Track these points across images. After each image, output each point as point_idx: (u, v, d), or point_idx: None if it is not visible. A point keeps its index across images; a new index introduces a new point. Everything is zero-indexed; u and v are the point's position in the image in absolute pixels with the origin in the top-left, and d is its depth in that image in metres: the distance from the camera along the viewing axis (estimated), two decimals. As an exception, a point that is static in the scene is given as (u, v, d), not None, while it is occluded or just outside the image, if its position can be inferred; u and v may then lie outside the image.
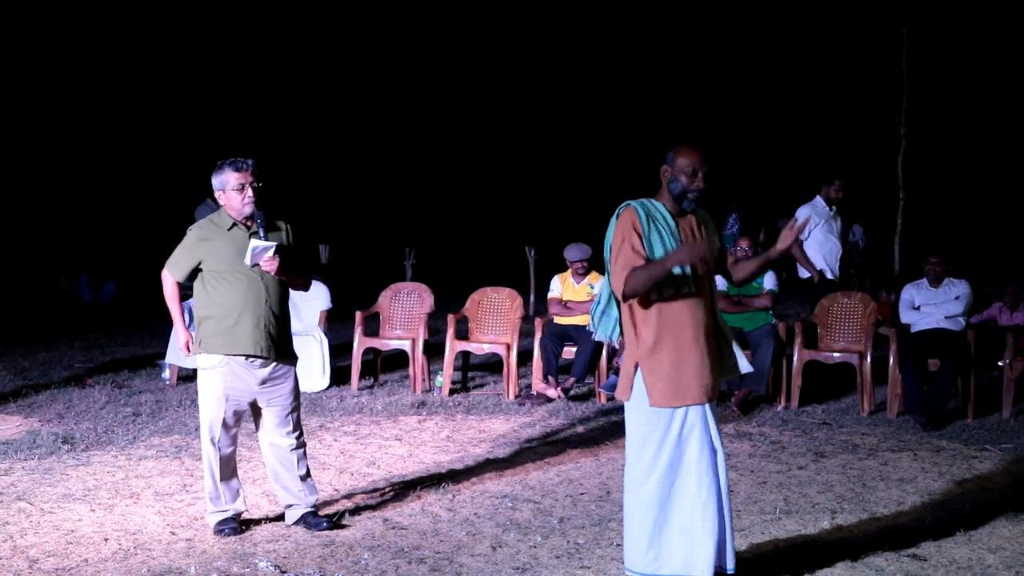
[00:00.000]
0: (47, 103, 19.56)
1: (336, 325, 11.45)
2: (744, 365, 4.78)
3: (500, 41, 22.65)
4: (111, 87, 20.10)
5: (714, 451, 4.59)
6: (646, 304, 4.57)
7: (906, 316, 9.07)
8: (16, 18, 18.12)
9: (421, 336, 9.87)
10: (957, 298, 8.90)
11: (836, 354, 9.18)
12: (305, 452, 5.79)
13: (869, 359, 8.91)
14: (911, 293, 9.13)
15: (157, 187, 20.21)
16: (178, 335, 5.84)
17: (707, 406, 4.58)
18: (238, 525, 5.60)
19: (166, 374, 10.18)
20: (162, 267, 5.69)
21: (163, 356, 10.35)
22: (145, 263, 18.12)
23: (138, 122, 20.51)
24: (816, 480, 6.67)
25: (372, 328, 10.32)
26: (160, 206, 19.59)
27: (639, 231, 4.56)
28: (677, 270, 4.51)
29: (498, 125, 23.87)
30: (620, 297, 4.57)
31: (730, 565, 4.64)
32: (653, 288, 4.50)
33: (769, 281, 9.41)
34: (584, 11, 22.48)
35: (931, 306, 8.93)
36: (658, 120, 23.35)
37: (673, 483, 4.55)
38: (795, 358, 9.06)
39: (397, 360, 10.92)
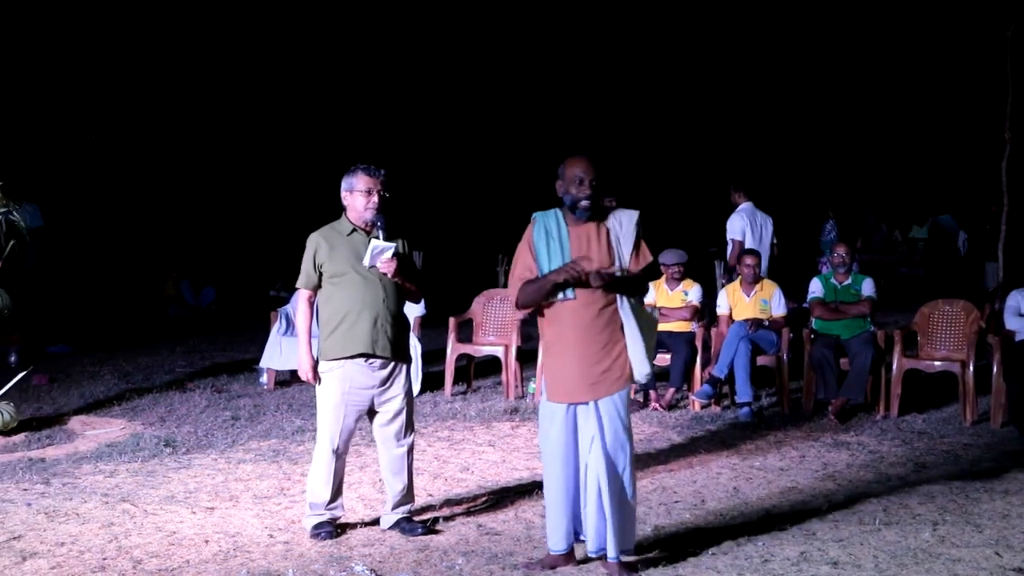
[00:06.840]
0: (158, 110, 19.96)
1: (429, 331, 11.53)
2: (641, 374, 5.05)
3: (548, 49, 22.52)
4: (212, 97, 20.49)
5: (604, 444, 4.92)
6: (548, 308, 5.05)
7: (1011, 323, 8.77)
8: (124, 23, 18.53)
9: (514, 342, 9.88)
10: None
11: (937, 363, 8.98)
12: (412, 455, 5.84)
13: (972, 368, 8.70)
14: (1017, 299, 8.84)
15: (257, 193, 20.52)
16: (301, 361, 5.74)
17: (599, 403, 4.95)
18: (334, 529, 5.67)
19: (263, 378, 10.34)
20: (261, 273, 5.80)
21: (260, 361, 10.52)
22: (243, 269, 18.50)
23: (241, 132, 20.85)
24: (917, 491, 6.52)
25: (465, 334, 10.38)
26: (260, 213, 19.92)
27: (531, 245, 5.07)
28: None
29: (580, 128, 23.78)
30: (515, 305, 5.16)
31: (612, 552, 5.00)
32: (544, 296, 5.01)
33: (868, 288, 9.22)
34: (655, 16, 22.29)
35: None
36: (745, 125, 23.12)
37: (563, 469, 5.03)
38: (894, 366, 8.88)
39: (490, 366, 10.96)
